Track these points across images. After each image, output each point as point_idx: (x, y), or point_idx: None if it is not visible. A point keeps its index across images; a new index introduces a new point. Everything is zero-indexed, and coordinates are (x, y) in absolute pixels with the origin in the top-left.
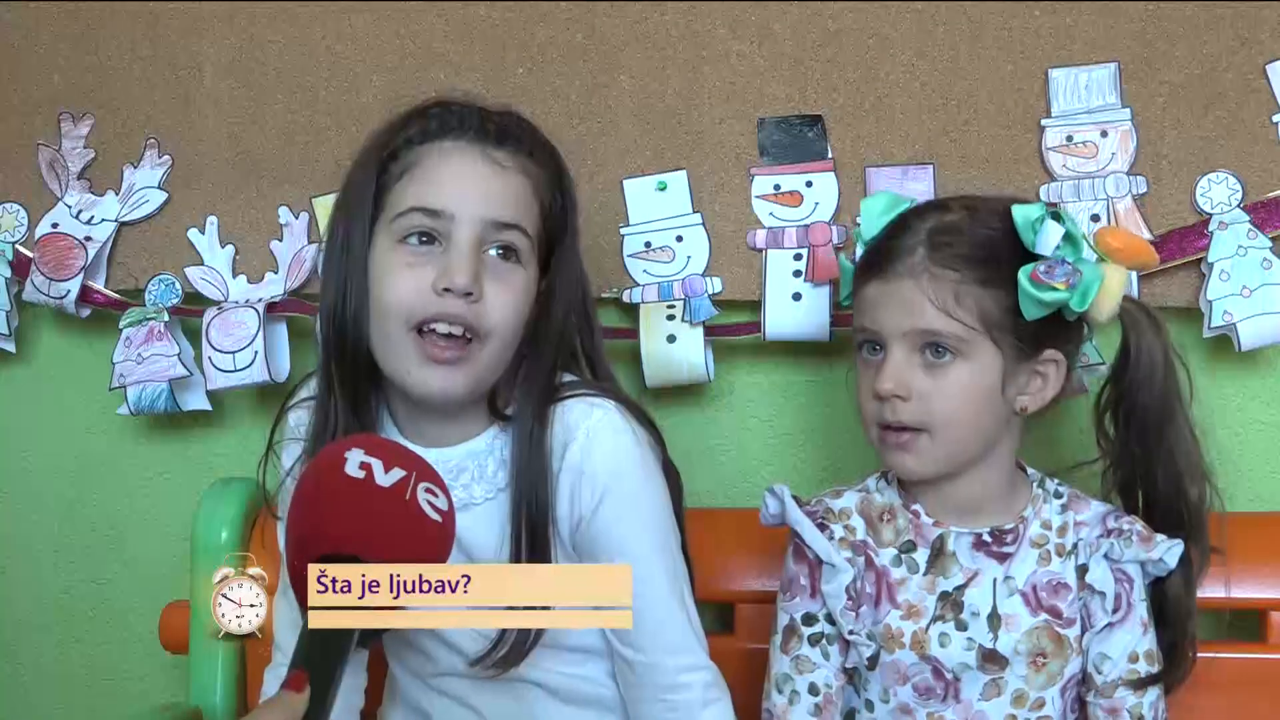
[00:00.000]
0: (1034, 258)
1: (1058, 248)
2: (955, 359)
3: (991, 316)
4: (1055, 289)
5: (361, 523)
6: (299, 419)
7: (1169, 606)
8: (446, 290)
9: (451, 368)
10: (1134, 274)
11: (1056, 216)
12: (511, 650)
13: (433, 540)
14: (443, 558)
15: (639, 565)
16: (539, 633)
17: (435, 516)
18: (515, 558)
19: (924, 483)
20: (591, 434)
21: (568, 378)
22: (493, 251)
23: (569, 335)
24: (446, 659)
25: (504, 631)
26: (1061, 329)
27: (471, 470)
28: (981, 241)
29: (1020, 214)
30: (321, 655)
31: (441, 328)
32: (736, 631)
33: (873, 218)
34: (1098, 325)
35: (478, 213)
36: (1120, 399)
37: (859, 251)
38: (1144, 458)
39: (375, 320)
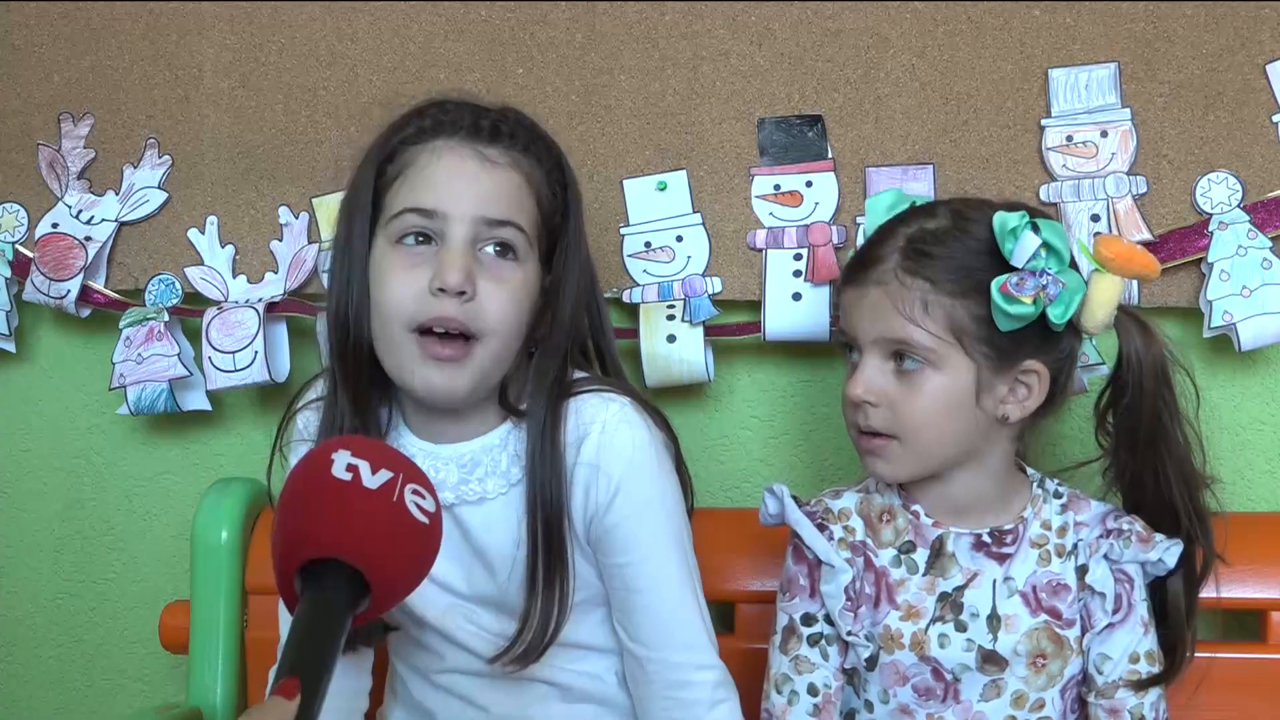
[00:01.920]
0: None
1: (1035, 258)
2: (925, 368)
3: (963, 327)
4: (1022, 303)
5: (348, 525)
6: (307, 421)
7: (1169, 605)
8: (441, 290)
9: (453, 366)
10: (1134, 280)
11: (1038, 226)
12: (529, 647)
13: (420, 543)
14: (429, 560)
15: (652, 561)
16: (556, 629)
17: (422, 519)
18: (531, 553)
19: (916, 483)
20: (606, 429)
21: (579, 374)
22: (488, 249)
23: (579, 331)
24: (454, 657)
25: (521, 629)
26: (1046, 339)
27: (485, 465)
28: (960, 251)
29: (999, 222)
30: (310, 659)
31: (438, 328)
32: (736, 631)
33: (877, 215)
34: (1091, 335)
35: (470, 211)
36: (1115, 404)
37: None
38: (1134, 464)
39: (377, 322)
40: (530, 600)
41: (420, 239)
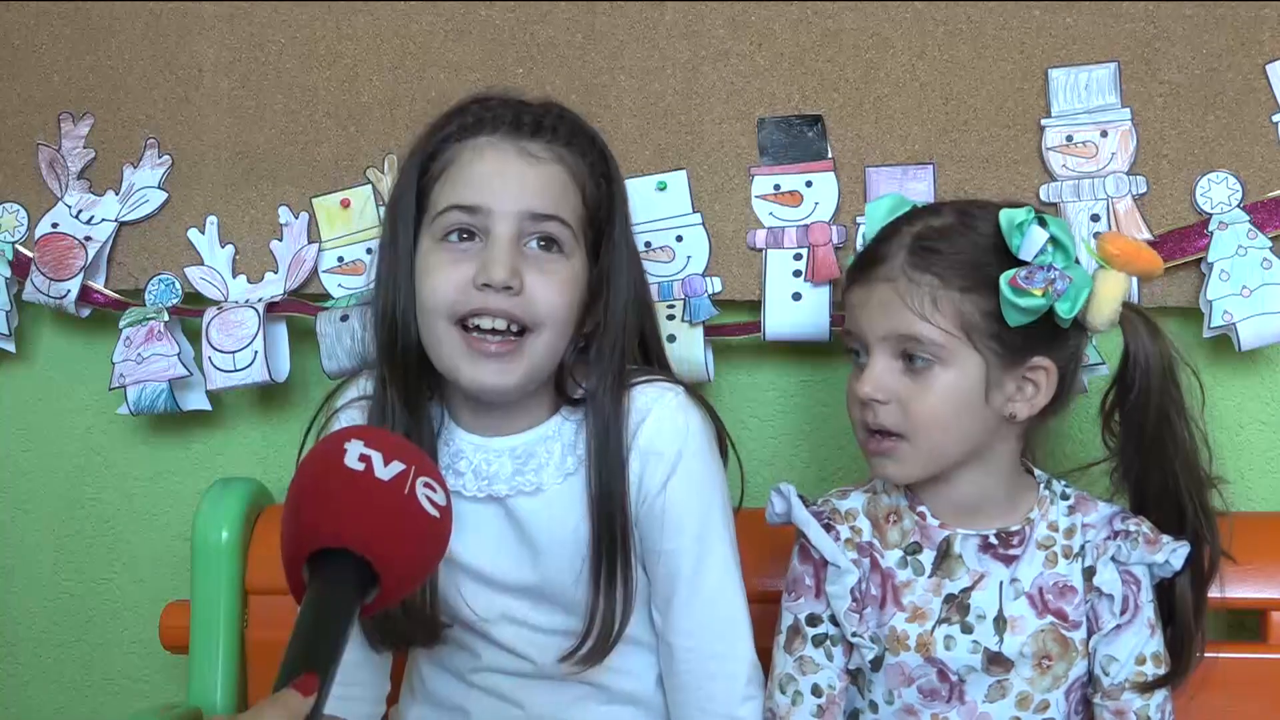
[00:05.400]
0: (1024, 263)
1: (1042, 253)
2: (934, 364)
3: (972, 322)
4: (1033, 295)
5: (359, 516)
6: (351, 419)
7: (1177, 606)
8: (486, 285)
9: (503, 361)
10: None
11: (1044, 221)
12: (597, 642)
13: (430, 537)
14: (439, 554)
15: (699, 546)
16: (623, 622)
17: (433, 512)
18: (596, 543)
19: (923, 484)
20: (664, 414)
21: (631, 367)
22: (533, 244)
23: (631, 322)
24: (492, 657)
25: (590, 625)
26: (1053, 336)
27: (540, 456)
28: (966, 247)
29: (1006, 218)
30: (320, 651)
31: (485, 323)
32: None
33: (876, 221)
34: (1097, 332)
35: (514, 207)
36: (1121, 403)
37: None
38: (1141, 462)
39: (421, 317)
40: (596, 596)
41: (465, 235)
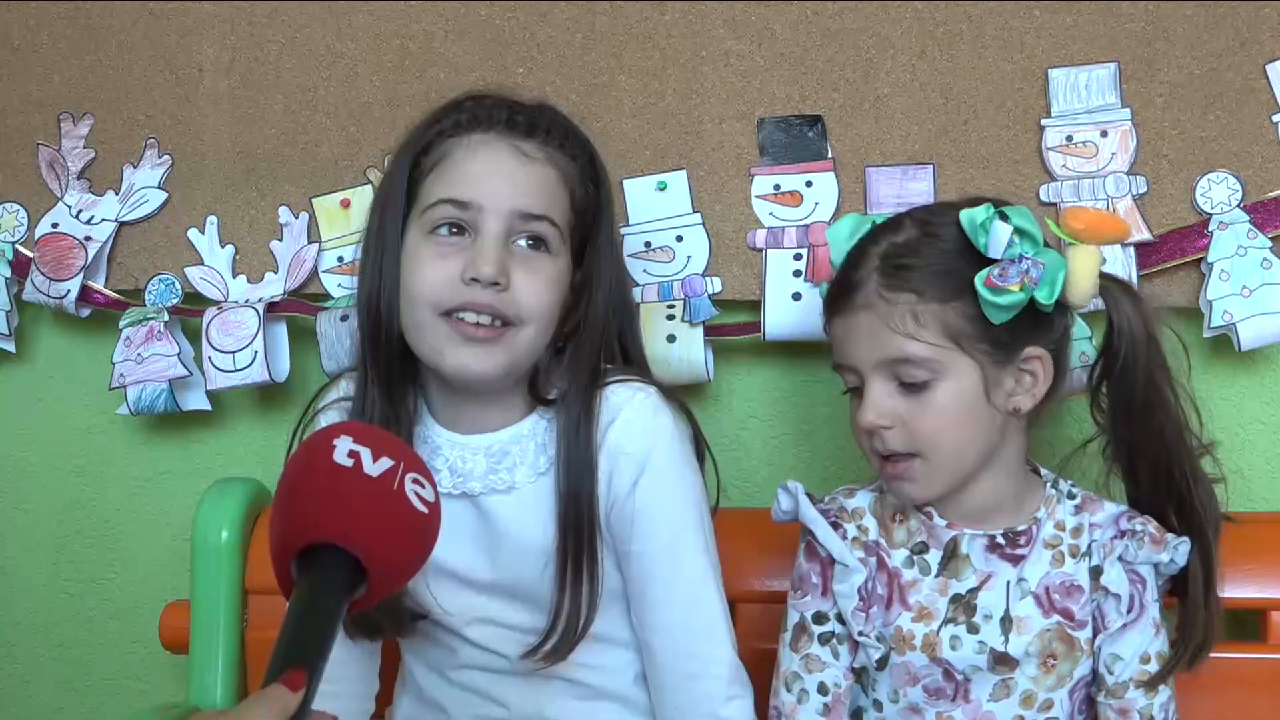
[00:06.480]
0: (995, 260)
1: (1010, 246)
2: (932, 379)
3: (958, 330)
4: (1010, 291)
5: (348, 511)
6: (331, 421)
7: (1188, 579)
8: (473, 280)
9: (487, 347)
10: (1133, 265)
11: (1005, 215)
12: (561, 640)
13: (418, 532)
14: (427, 550)
15: (673, 548)
16: (588, 622)
17: (422, 508)
18: (563, 543)
19: None
20: (634, 415)
21: (606, 367)
22: (521, 242)
23: (610, 327)
24: (471, 654)
25: (554, 622)
26: (1040, 323)
27: (514, 455)
28: (936, 257)
29: (967, 219)
30: (307, 647)
31: (470, 317)
32: (736, 630)
33: (840, 246)
34: (1079, 308)
35: (505, 204)
36: (1109, 373)
37: None
38: (1131, 432)
39: (405, 308)
40: (561, 593)
41: (454, 230)
